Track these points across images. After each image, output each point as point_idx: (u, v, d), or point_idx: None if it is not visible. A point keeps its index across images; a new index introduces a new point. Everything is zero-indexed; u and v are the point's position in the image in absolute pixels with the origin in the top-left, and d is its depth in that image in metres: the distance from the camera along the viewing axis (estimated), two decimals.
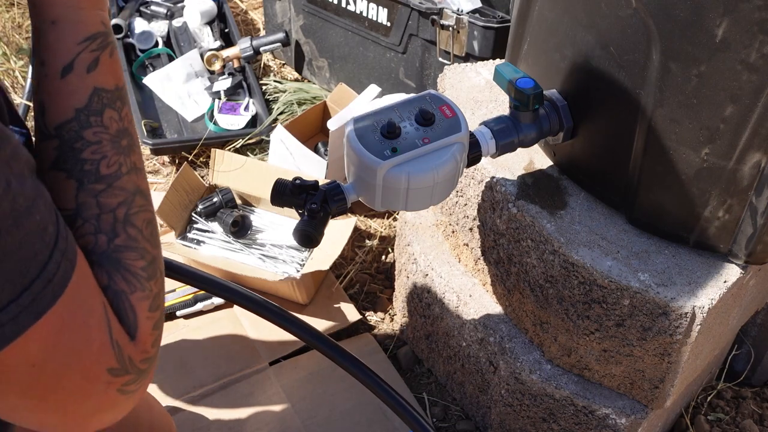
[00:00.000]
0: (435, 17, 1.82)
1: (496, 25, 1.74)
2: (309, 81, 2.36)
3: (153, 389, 1.16)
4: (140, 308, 0.59)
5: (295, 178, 1.04)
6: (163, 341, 1.61)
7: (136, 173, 0.63)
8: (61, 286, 0.52)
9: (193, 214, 1.83)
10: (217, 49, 2.28)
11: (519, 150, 1.16)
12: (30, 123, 1.85)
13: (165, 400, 1.45)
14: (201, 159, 2.09)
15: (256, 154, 2.09)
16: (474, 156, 1.09)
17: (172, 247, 1.72)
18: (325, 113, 2.12)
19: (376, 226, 1.93)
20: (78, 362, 0.54)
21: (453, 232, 1.42)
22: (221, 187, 1.85)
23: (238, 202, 1.87)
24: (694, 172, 1.01)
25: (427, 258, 1.45)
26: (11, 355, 0.50)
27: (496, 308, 1.35)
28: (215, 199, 1.81)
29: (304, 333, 0.99)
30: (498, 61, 1.48)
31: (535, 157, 1.26)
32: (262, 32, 2.56)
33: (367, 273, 1.81)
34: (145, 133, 2.05)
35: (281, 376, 1.54)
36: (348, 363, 1.00)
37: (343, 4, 2.06)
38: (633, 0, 0.93)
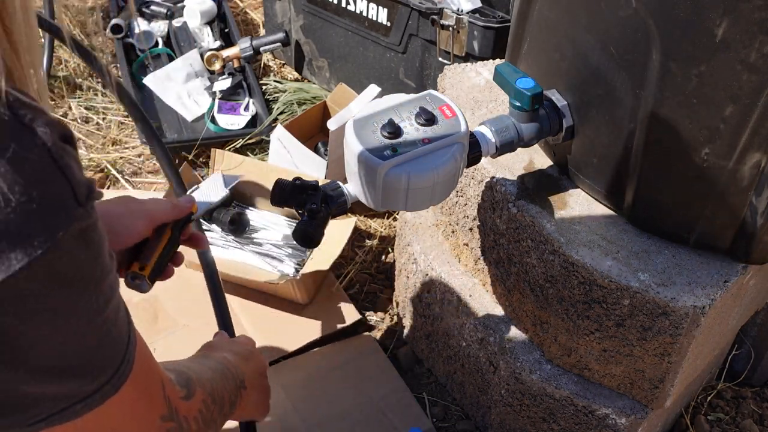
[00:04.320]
0: (435, 17, 1.82)
1: (496, 25, 1.74)
2: (309, 81, 2.36)
3: None
4: (200, 390, 0.82)
5: (295, 178, 1.04)
6: (163, 341, 1.62)
7: None
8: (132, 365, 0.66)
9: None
10: (217, 49, 2.28)
11: (519, 150, 1.16)
12: None
13: None
14: (201, 159, 2.09)
15: (256, 154, 2.09)
16: (474, 156, 1.09)
17: None
18: (325, 113, 2.12)
19: (376, 226, 1.93)
20: (139, 415, 0.71)
21: (453, 232, 1.42)
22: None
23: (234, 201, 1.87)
24: (694, 172, 1.01)
25: (427, 258, 1.45)
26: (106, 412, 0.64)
27: (496, 308, 1.35)
28: None
29: None
30: (498, 61, 1.48)
31: (535, 157, 1.26)
32: (262, 32, 2.56)
33: (367, 273, 1.81)
34: None
35: (281, 376, 1.54)
36: None
37: (343, 4, 2.06)
38: (633, 0, 0.93)
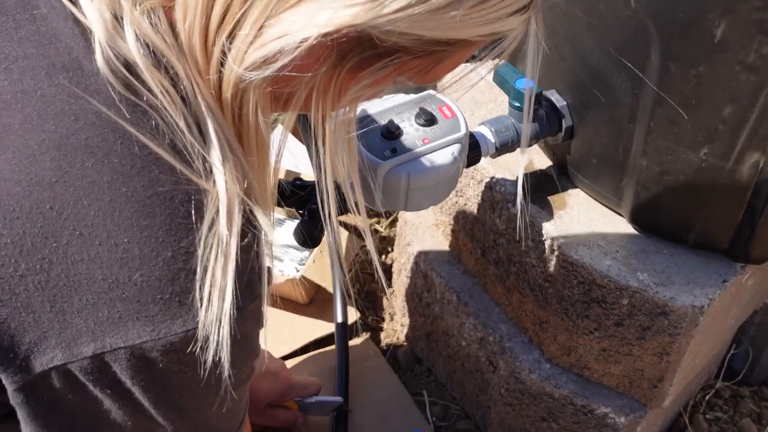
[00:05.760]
0: None
1: None
2: None
3: None
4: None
5: (295, 178, 1.05)
6: None
7: None
8: None
9: None
10: None
11: (519, 150, 1.17)
12: None
13: None
14: None
15: None
16: (474, 156, 1.09)
17: None
18: None
19: (376, 226, 1.93)
20: None
21: (453, 232, 1.42)
22: None
23: None
24: (692, 172, 1.01)
25: (427, 258, 1.45)
26: None
27: (495, 308, 1.35)
28: None
29: None
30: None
31: (535, 157, 1.26)
32: None
33: (367, 273, 1.81)
34: None
35: None
36: None
37: None
38: (632, 1, 0.94)
